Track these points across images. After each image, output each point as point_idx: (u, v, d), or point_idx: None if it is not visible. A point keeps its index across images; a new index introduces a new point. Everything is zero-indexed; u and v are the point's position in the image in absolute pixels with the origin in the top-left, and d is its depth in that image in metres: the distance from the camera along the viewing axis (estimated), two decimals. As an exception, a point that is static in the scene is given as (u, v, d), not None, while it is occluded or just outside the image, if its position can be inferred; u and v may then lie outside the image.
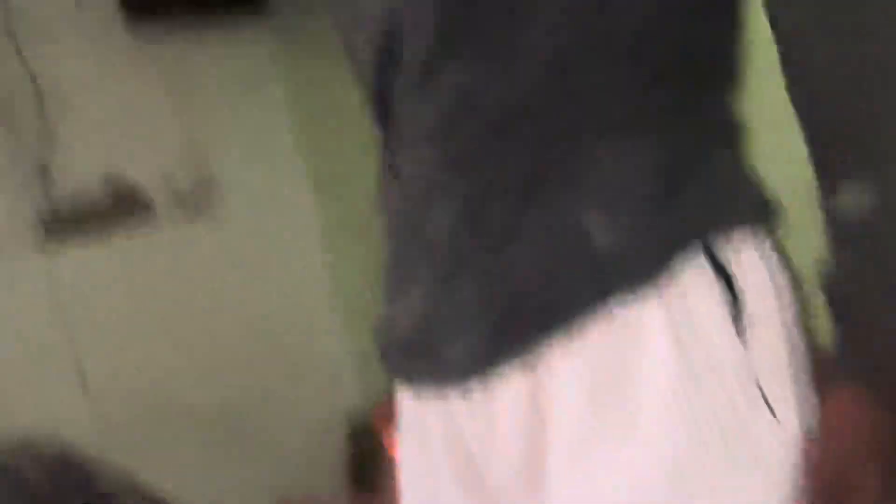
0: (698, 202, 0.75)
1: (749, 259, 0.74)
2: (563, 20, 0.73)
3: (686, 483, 0.71)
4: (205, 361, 2.17)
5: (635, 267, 0.73)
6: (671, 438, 0.71)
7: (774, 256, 0.76)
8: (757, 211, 0.77)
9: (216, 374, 2.18)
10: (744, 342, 0.72)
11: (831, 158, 0.71)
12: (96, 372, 2.05)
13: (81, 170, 2.03)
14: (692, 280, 0.72)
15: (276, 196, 2.32)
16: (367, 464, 2.33)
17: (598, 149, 0.75)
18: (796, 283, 0.75)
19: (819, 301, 0.72)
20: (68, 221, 1.98)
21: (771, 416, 0.71)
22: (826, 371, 0.73)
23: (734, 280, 0.72)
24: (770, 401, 0.72)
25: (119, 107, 2.13)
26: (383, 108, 0.86)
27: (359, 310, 2.19)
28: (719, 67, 0.80)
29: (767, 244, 0.75)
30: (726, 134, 0.80)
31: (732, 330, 0.72)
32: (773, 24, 0.72)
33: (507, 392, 0.76)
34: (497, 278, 0.77)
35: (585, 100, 0.75)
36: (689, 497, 0.70)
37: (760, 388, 0.72)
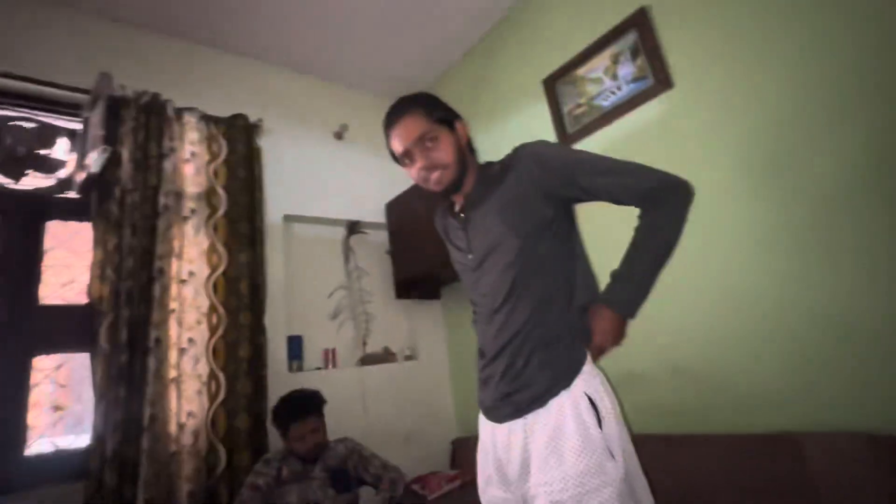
0: (564, 368, 1.21)
1: (594, 385, 1.16)
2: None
3: (581, 484, 1.09)
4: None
5: (558, 383, 1.18)
6: (575, 463, 1.09)
7: (607, 382, 1.16)
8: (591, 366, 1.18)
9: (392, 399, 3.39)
10: (600, 426, 1.12)
11: None
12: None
13: (376, 343, 3.52)
14: (577, 392, 1.15)
15: (437, 352, 3.73)
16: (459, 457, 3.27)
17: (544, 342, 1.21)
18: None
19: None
20: (369, 359, 3.33)
21: (613, 459, 1.08)
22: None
23: (592, 395, 1.13)
24: (613, 453, 1.10)
25: (390, 323, 3.69)
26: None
27: (464, 389, 3.64)
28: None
29: (600, 377, 1.19)
30: (579, 333, 1.22)
31: (595, 420, 1.13)
32: None
33: (516, 431, 1.20)
34: (518, 382, 1.20)
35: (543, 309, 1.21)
36: (581, 488, 1.08)
37: (609, 448, 1.09)
